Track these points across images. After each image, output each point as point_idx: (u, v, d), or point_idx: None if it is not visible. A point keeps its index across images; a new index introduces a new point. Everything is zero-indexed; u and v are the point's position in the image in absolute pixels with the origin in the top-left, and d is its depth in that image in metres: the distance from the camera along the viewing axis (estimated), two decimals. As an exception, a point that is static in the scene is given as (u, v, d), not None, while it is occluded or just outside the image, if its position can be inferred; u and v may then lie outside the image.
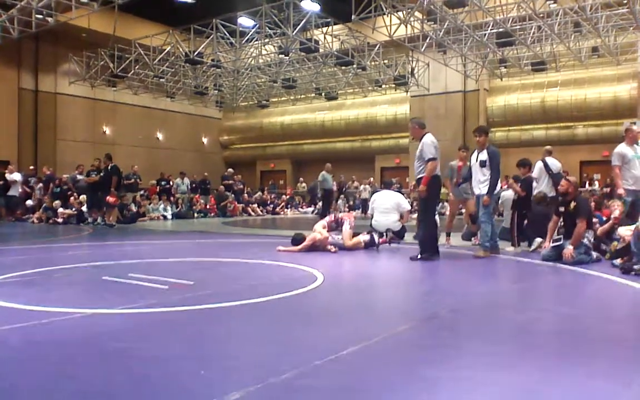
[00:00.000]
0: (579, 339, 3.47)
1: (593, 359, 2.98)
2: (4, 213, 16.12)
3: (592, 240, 6.93)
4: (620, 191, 7.48)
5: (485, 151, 7.42)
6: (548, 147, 9.72)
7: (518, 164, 8.66)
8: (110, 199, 13.29)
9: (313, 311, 4.26)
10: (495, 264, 7.17)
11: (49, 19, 17.04)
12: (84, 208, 14.70)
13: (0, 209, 16.01)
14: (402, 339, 3.41)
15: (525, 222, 8.64)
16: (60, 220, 14.75)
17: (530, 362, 2.90)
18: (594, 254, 6.83)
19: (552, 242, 6.97)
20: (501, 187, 8.80)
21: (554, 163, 9.22)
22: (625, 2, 14.88)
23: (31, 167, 18.49)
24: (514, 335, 3.53)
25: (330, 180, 17.13)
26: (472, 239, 9.20)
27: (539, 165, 9.11)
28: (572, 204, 6.88)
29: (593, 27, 17.03)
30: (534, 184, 8.84)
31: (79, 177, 15.86)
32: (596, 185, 19.61)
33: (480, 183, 7.38)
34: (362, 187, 23.05)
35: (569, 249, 6.61)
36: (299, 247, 7.91)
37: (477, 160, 7.43)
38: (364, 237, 8.48)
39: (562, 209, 7.08)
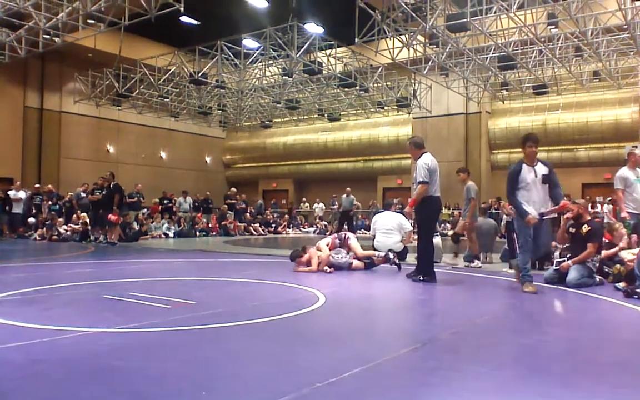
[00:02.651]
0: (582, 363, 3.45)
1: (596, 384, 2.96)
2: (7, 230, 16.15)
3: (596, 264, 6.92)
4: (624, 214, 7.48)
5: (540, 164, 6.37)
6: None
7: None
8: (112, 217, 13.32)
9: (314, 332, 4.24)
10: (498, 286, 7.15)
11: (56, 39, 17.28)
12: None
13: (3, 226, 16.05)
14: (404, 362, 3.39)
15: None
16: (64, 236, 14.77)
17: (533, 387, 2.88)
18: (597, 277, 6.81)
19: (556, 265, 6.95)
20: (495, 208, 8.85)
21: None
22: (625, 27, 15.03)
23: (37, 186, 18.59)
24: (516, 358, 3.51)
25: (346, 201, 18.84)
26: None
27: None
28: (586, 228, 6.85)
29: (594, 51, 17.19)
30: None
31: (83, 194, 15.93)
32: (598, 208, 19.57)
33: (544, 202, 6.28)
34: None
35: (567, 263, 6.64)
36: (311, 268, 7.90)
37: (536, 176, 6.24)
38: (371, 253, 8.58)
39: (572, 230, 7.07)
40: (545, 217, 6.24)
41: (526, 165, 6.32)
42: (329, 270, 7.93)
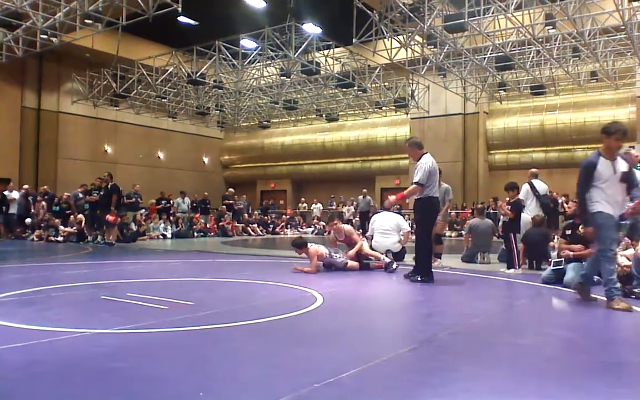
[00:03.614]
0: (580, 363, 3.46)
1: (594, 384, 2.97)
2: (3, 230, 16.13)
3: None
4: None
5: (620, 159, 5.48)
6: (534, 169, 9.82)
7: (506, 187, 8.74)
8: (109, 217, 13.29)
9: (312, 333, 4.24)
10: (495, 286, 7.16)
11: (54, 39, 17.25)
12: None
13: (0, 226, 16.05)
14: (402, 362, 3.40)
15: (522, 245, 8.65)
16: (60, 238, 14.75)
17: (530, 387, 2.89)
18: (595, 278, 6.82)
19: (553, 266, 6.96)
20: (492, 209, 8.93)
21: (541, 185, 9.33)
22: (622, 27, 15.07)
23: (25, 186, 18.35)
24: (514, 358, 3.51)
25: (363, 203, 19.48)
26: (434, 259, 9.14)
27: (525, 187, 9.22)
28: (582, 228, 6.85)
29: (591, 52, 17.22)
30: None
31: (81, 195, 15.90)
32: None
33: (624, 203, 5.57)
34: (345, 208, 22.97)
35: (567, 252, 6.80)
36: (310, 269, 7.88)
37: (615, 172, 5.42)
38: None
39: (569, 231, 7.07)
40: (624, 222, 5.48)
41: (604, 158, 5.37)
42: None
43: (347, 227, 9.34)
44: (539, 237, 8.57)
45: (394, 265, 8.15)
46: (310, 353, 3.58)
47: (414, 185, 6.92)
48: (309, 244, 8.28)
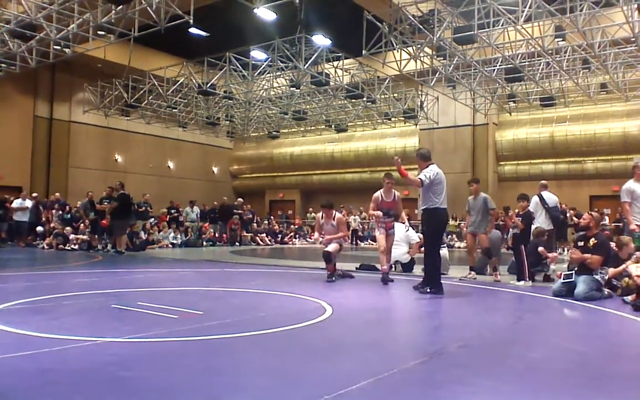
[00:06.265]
0: (591, 377, 3.42)
1: (606, 399, 2.93)
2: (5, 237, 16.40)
3: (605, 277, 6.87)
4: (633, 227, 7.44)
5: None
6: (543, 181, 9.80)
7: (518, 198, 8.75)
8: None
9: (322, 344, 4.23)
10: (506, 298, 7.11)
11: (67, 50, 17.46)
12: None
13: (1, 233, 16.31)
14: (412, 375, 3.38)
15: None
16: (74, 246, 14.89)
17: (542, 401, 2.86)
18: (606, 291, 6.77)
19: (564, 278, 6.91)
20: (501, 220, 8.90)
21: (550, 197, 9.30)
22: (633, 39, 15.02)
23: (34, 194, 18.71)
24: (525, 372, 3.49)
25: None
26: (468, 274, 9.00)
27: (535, 199, 9.20)
28: (593, 241, 6.83)
29: (601, 64, 17.16)
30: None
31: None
32: (606, 220, 19.46)
33: None
34: (352, 218, 22.95)
35: (576, 255, 6.81)
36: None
37: None
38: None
39: (581, 243, 7.04)
40: None
41: None
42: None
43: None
44: (531, 248, 8.56)
45: (390, 279, 8.14)
46: (320, 364, 3.57)
47: (417, 178, 6.96)
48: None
